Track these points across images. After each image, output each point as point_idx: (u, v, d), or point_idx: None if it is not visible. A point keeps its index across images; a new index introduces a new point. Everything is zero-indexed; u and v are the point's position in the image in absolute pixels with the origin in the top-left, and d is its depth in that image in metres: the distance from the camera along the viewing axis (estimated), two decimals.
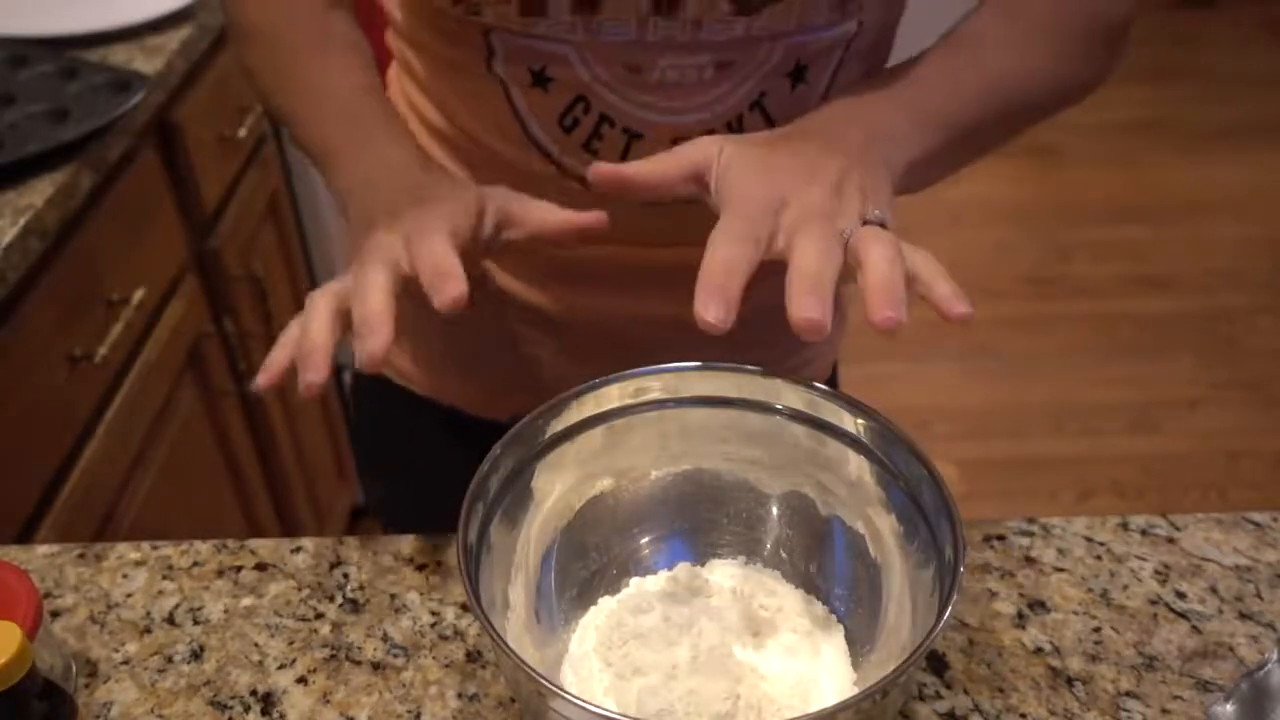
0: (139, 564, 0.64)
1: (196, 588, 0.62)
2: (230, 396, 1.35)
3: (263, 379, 0.56)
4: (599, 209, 0.60)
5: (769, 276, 0.49)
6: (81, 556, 0.65)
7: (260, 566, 0.64)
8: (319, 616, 0.60)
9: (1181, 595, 0.60)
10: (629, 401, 0.57)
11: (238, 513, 1.40)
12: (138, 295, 1.09)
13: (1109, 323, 2.40)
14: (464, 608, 0.61)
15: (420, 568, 0.63)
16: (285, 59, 0.69)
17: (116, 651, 0.59)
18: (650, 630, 0.53)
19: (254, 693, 0.56)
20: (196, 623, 0.60)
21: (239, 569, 0.64)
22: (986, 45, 0.63)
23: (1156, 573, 0.62)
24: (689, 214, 0.56)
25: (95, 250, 1.05)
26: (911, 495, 0.52)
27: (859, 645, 0.54)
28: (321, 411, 1.66)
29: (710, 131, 0.60)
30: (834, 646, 0.54)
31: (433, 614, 0.60)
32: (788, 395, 0.56)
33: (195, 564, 0.64)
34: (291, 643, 0.59)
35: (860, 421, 0.54)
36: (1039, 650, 0.57)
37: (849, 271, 0.50)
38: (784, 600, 0.56)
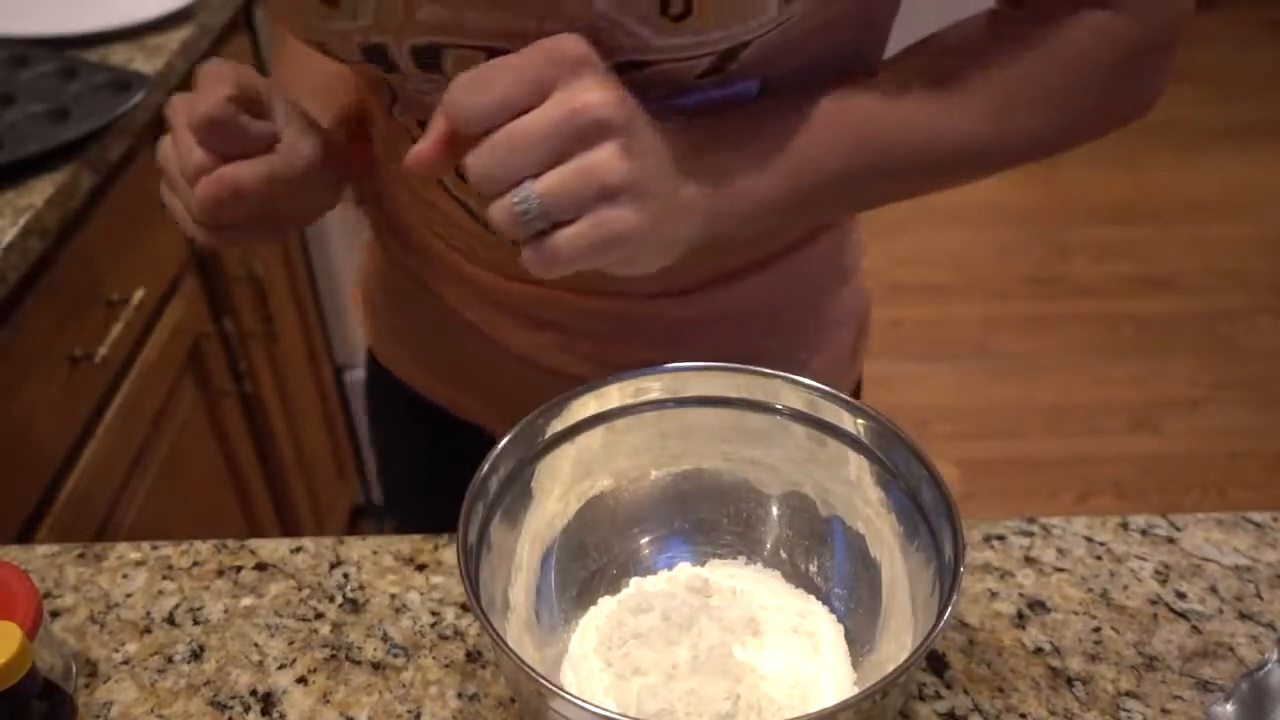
0: (139, 564, 0.64)
1: (196, 588, 0.62)
2: (230, 396, 1.35)
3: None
4: (510, 250, 0.56)
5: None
6: (81, 556, 0.65)
7: (260, 566, 0.64)
8: (319, 616, 0.60)
9: (1181, 595, 0.60)
10: (629, 401, 0.57)
11: (238, 513, 1.40)
12: (138, 295, 1.09)
13: (1109, 323, 2.40)
14: (464, 608, 0.61)
15: (420, 568, 0.63)
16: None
17: (116, 651, 0.59)
18: (650, 630, 0.53)
19: (254, 693, 0.56)
20: (196, 623, 0.60)
21: (239, 569, 0.64)
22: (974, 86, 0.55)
23: (1156, 573, 0.62)
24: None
25: (95, 250, 1.05)
26: (911, 495, 0.52)
27: (859, 645, 0.54)
28: (321, 411, 1.66)
29: None
30: (834, 646, 0.54)
31: (433, 614, 0.60)
32: (788, 395, 0.56)
33: (195, 564, 0.64)
34: (291, 643, 0.59)
35: (860, 421, 0.54)
36: (1039, 650, 0.57)
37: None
38: (784, 600, 0.56)
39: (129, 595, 0.62)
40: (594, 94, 0.44)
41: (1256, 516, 0.65)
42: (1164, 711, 0.54)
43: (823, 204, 0.58)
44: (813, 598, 0.57)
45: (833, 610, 0.56)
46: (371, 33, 0.51)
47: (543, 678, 0.43)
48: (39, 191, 0.95)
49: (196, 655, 0.59)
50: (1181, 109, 3.09)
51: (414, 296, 0.75)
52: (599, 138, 0.45)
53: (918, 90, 0.55)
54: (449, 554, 0.64)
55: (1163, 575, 0.62)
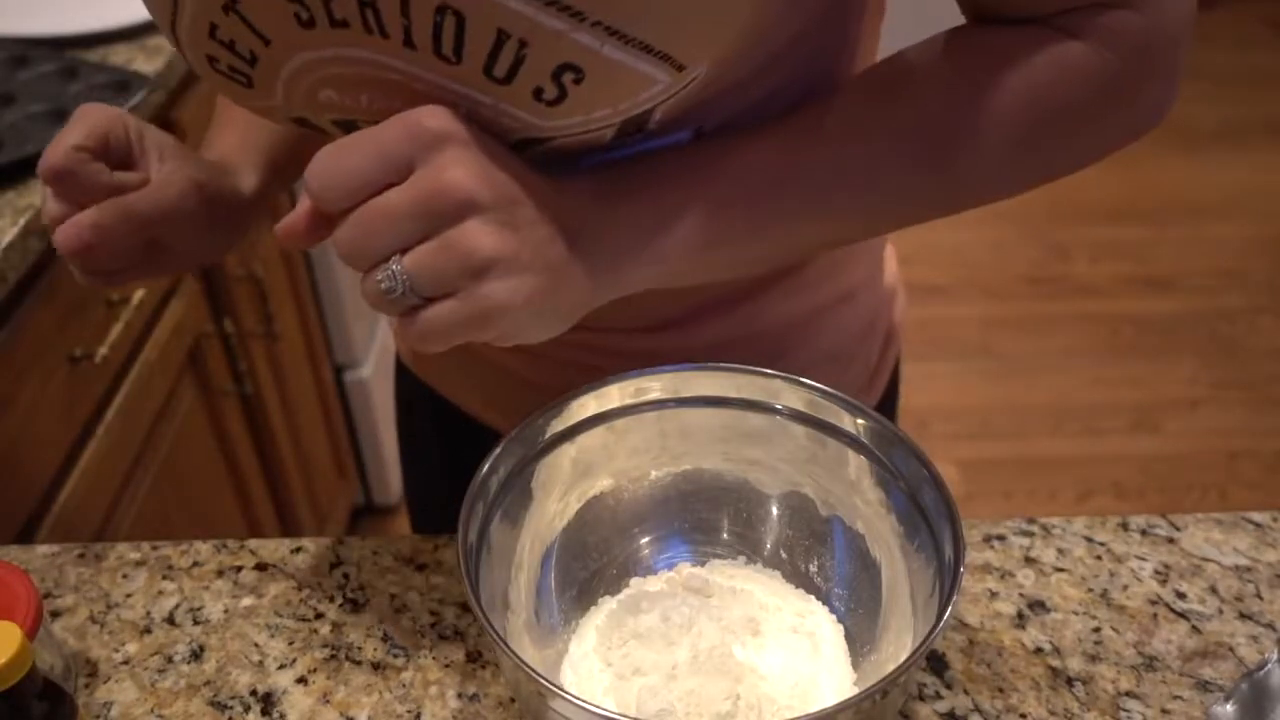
0: (139, 564, 0.64)
1: (196, 588, 0.63)
2: (230, 396, 1.35)
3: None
4: None
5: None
6: (81, 556, 0.65)
7: (260, 566, 0.64)
8: (319, 616, 0.60)
9: (1181, 595, 0.60)
10: (629, 401, 0.57)
11: (238, 513, 1.40)
12: (138, 295, 1.09)
13: (1109, 323, 2.40)
14: (464, 608, 0.61)
15: (420, 568, 0.63)
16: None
17: (116, 651, 0.59)
18: (650, 630, 0.53)
19: (254, 693, 0.56)
20: (196, 623, 0.60)
21: (239, 569, 0.64)
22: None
23: (1156, 573, 0.62)
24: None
25: None
26: (911, 495, 0.52)
27: (859, 645, 0.54)
28: (321, 412, 1.66)
29: None
30: (834, 646, 0.54)
31: (433, 614, 0.60)
32: (788, 395, 0.56)
33: (195, 564, 0.64)
34: (291, 643, 0.59)
35: (860, 421, 0.54)
36: (1039, 650, 0.57)
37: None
38: (784, 600, 0.56)
39: (129, 595, 0.62)
40: (453, 171, 0.42)
41: (1256, 516, 0.65)
42: (1164, 711, 0.54)
43: (749, 249, 0.53)
44: (813, 598, 0.57)
45: (833, 610, 0.56)
46: (290, 110, 0.50)
47: (543, 678, 0.43)
48: (39, 191, 0.94)
49: (196, 655, 0.59)
50: (1181, 109, 3.06)
51: None
52: (462, 215, 0.43)
53: (857, 125, 0.52)
54: (449, 554, 0.64)
55: (1163, 575, 0.62)
